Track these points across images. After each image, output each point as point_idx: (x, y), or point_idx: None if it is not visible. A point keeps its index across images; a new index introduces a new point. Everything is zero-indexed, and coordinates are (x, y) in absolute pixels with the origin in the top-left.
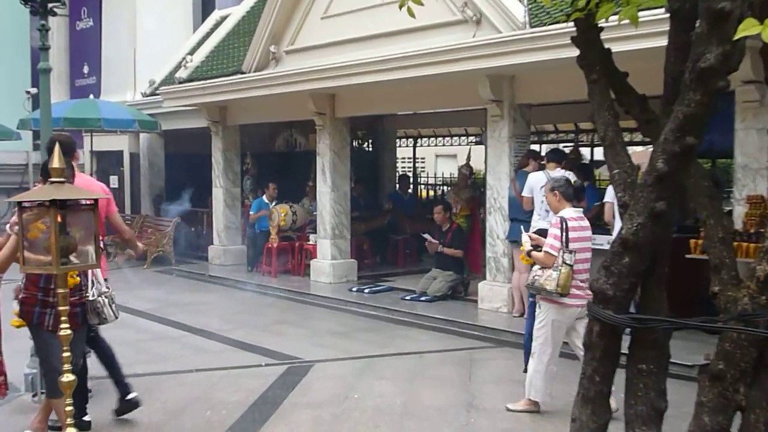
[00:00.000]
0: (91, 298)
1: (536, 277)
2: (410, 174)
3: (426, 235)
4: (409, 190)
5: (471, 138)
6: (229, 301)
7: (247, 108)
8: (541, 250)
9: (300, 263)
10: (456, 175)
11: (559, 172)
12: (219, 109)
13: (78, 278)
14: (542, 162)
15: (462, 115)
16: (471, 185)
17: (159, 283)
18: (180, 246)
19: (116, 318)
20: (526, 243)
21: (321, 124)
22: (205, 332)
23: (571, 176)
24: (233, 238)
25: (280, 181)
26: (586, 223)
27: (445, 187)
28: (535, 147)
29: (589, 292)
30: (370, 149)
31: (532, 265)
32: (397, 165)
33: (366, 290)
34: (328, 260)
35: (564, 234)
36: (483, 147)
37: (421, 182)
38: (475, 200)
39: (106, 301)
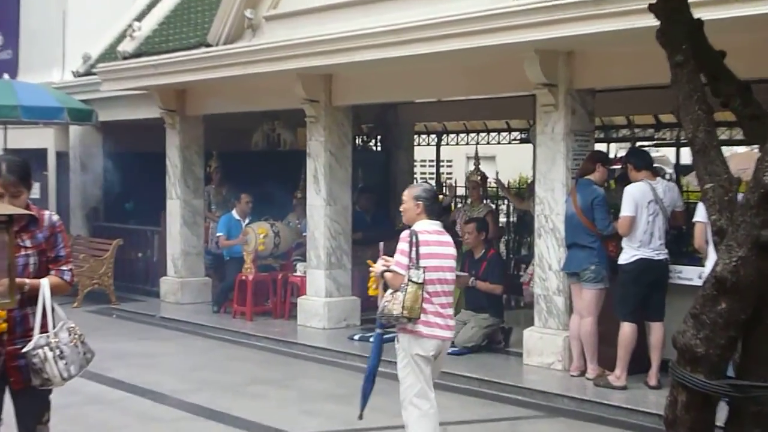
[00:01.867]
0: (24, 350)
1: (385, 303)
2: (433, 182)
3: None
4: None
5: (514, 135)
6: (188, 353)
7: (214, 93)
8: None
9: (284, 302)
10: (467, 185)
11: (661, 184)
12: (176, 94)
13: (4, 324)
14: (612, 167)
15: (502, 104)
16: (482, 198)
17: (94, 328)
18: (123, 277)
19: (66, 379)
20: (379, 265)
21: (313, 116)
22: (155, 394)
23: (672, 188)
24: (194, 268)
25: (256, 191)
26: (446, 238)
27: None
28: (600, 147)
29: (452, 323)
30: (379, 149)
31: (385, 290)
32: (416, 170)
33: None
34: (322, 298)
35: (413, 249)
36: (529, 147)
37: (448, 192)
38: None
39: (50, 354)
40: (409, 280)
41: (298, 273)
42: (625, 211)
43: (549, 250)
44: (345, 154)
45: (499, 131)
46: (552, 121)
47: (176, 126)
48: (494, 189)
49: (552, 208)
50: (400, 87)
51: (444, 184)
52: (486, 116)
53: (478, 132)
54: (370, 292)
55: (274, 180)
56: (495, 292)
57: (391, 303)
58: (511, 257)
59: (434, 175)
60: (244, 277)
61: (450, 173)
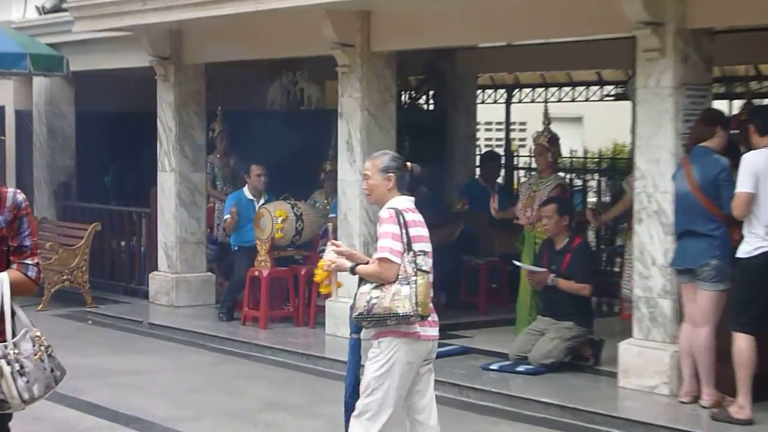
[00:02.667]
0: None
1: (375, 300)
2: (501, 151)
3: (521, 264)
4: (500, 179)
5: (607, 90)
6: (185, 370)
7: (218, 35)
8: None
9: (308, 305)
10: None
11: None
12: (170, 36)
13: None
14: (733, 131)
15: (592, 49)
16: (553, 167)
17: (64, 337)
18: (101, 273)
19: (27, 401)
20: (329, 254)
21: (346, 65)
22: (143, 423)
23: None
24: (193, 261)
25: (273, 163)
26: (421, 217)
27: (565, 176)
28: (718, 104)
29: (437, 318)
30: (432, 107)
31: (360, 285)
32: (479, 134)
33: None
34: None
35: (403, 231)
36: (627, 105)
37: (520, 165)
38: (572, 206)
39: (7, 370)
40: (418, 269)
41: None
42: (742, 185)
43: (653, 240)
44: (387, 114)
45: (587, 85)
46: (657, 71)
47: (170, 78)
48: (567, 158)
49: (657, 185)
50: (458, 27)
51: (515, 152)
52: (571, 65)
53: (559, 86)
54: (322, 289)
55: (295, 148)
56: (582, 293)
57: (389, 299)
58: (603, 248)
59: (502, 141)
60: (257, 273)
61: (523, 138)
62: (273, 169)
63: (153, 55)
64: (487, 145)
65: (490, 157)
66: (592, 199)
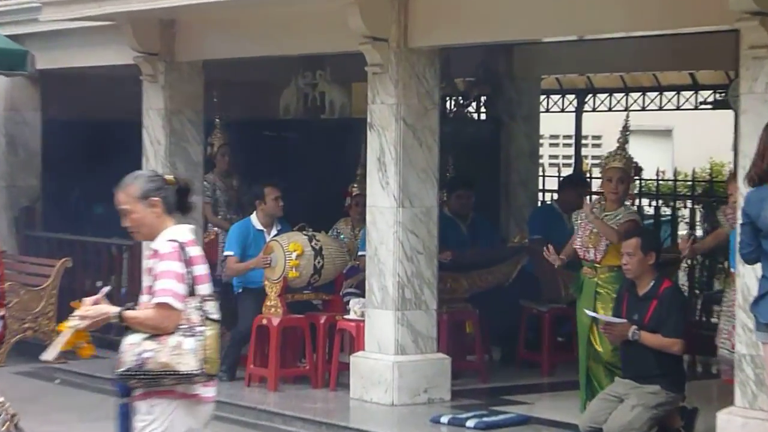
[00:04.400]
0: None
1: (148, 354)
2: (570, 169)
3: (595, 314)
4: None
5: (703, 96)
6: None
7: (219, 27)
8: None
9: (329, 361)
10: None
11: None
12: (161, 27)
13: None
14: None
15: (684, 45)
16: (622, 202)
17: (26, 399)
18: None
19: None
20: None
21: (378, 63)
22: None
23: None
24: None
25: (287, 184)
26: (201, 251)
27: (650, 202)
28: None
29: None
30: (484, 117)
31: (127, 335)
32: (542, 150)
33: (471, 423)
34: (391, 356)
35: (187, 270)
36: (728, 115)
37: (594, 189)
38: (659, 242)
39: None
40: (206, 317)
41: (351, 315)
42: None
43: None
44: (428, 125)
45: (678, 90)
46: (766, 73)
47: (159, 79)
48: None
49: (765, 212)
50: (518, 17)
51: (587, 172)
52: (658, 66)
53: (643, 91)
54: (82, 352)
55: (314, 166)
56: (671, 350)
57: (167, 354)
58: (698, 294)
59: (572, 159)
60: (265, 322)
61: (598, 156)
62: (286, 193)
63: (139, 50)
64: (552, 164)
65: (574, 182)
66: (683, 232)
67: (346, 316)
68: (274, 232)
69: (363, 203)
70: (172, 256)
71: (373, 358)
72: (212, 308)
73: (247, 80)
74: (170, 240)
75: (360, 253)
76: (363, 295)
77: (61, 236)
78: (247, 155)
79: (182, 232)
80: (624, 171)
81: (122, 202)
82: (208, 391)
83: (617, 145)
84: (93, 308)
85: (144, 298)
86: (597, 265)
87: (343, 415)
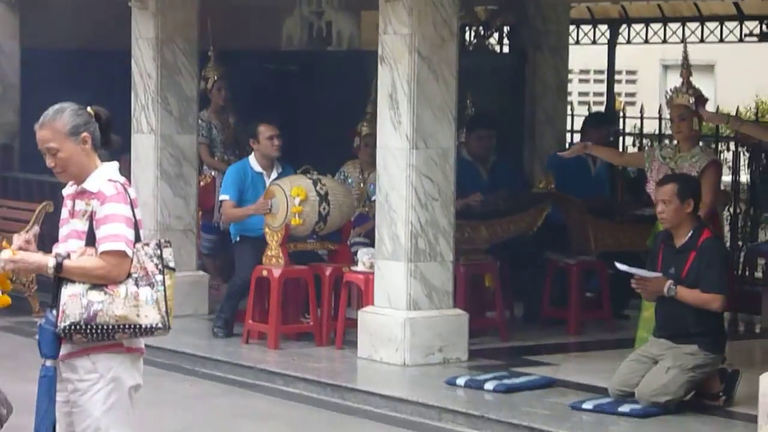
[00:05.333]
0: None
1: (98, 306)
2: (602, 107)
3: (626, 267)
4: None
5: (749, 28)
6: (168, 405)
7: None
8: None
9: (335, 317)
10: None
11: None
12: None
13: None
14: None
15: None
16: (697, 136)
17: (3, 355)
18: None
19: None
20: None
21: None
22: None
23: None
24: (179, 255)
25: (290, 123)
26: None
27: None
28: None
29: None
30: (507, 49)
31: (64, 286)
32: (571, 86)
33: (490, 385)
34: (402, 311)
35: (133, 213)
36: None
37: (629, 129)
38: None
39: None
40: (165, 265)
41: (359, 267)
42: None
43: None
44: (445, 57)
45: (721, 21)
46: None
47: (149, 5)
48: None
49: None
50: None
51: (620, 111)
52: None
53: (683, 21)
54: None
55: (320, 103)
56: (711, 306)
57: (122, 305)
58: (740, 245)
59: (604, 96)
60: (265, 273)
61: (632, 93)
62: (289, 133)
63: None
64: (581, 102)
65: (598, 120)
66: (727, 178)
67: (353, 268)
68: (274, 175)
69: (373, 144)
70: (117, 198)
71: (383, 314)
72: (170, 255)
73: (245, 6)
74: (111, 180)
75: (371, 199)
76: (372, 245)
77: (42, 178)
78: (246, 90)
79: (114, 171)
80: (686, 108)
81: (47, 140)
82: (141, 343)
83: (682, 80)
84: (25, 256)
85: (71, 244)
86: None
87: (349, 375)
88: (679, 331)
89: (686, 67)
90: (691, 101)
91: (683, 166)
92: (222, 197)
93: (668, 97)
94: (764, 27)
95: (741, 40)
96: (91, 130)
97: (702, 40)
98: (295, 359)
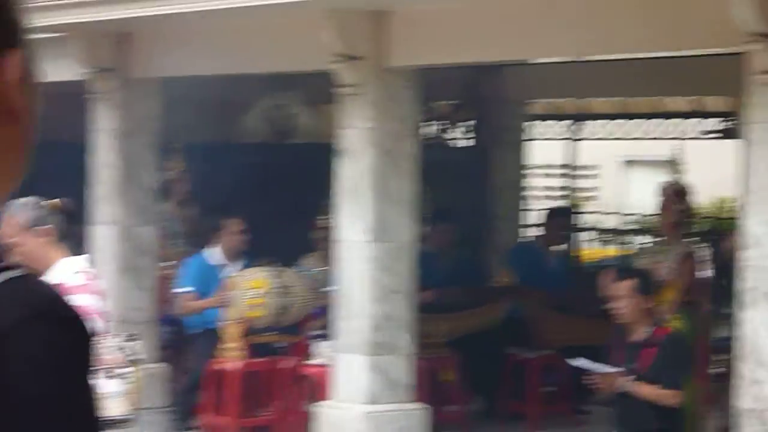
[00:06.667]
0: None
1: None
2: (562, 201)
3: (582, 363)
4: (565, 246)
5: (709, 124)
6: None
7: (179, 42)
8: None
9: (294, 411)
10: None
11: None
12: (116, 41)
13: None
14: None
15: (689, 68)
16: (684, 224)
17: None
18: None
19: None
20: None
21: (353, 84)
22: None
23: None
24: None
25: (251, 215)
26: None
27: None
28: None
29: None
30: (469, 143)
31: None
32: (530, 181)
33: None
34: (362, 405)
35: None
36: (738, 145)
37: (587, 225)
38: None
39: None
40: (135, 357)
41: (318, 360)
42: None
43: (766, 331)
44: (406, 151)
45: (682, 117)
46: None
47: (112, 97)
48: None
49: None
50: (506, 36)
51: (579, 206)
52: (660, 91)
53: (645, 118)
54: None
55: (280, 195)
56: (669, 402)
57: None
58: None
59: (564, 192)
60: (224, 366)
61: (593, 188)
62: (250, 225)
63: (91, 66)
64: (541, 196)
65: (560, 215)
66: None
67: (312, 361)
68: (235, 267)
69: (333, 237)
70: (81, 290)
71: (342, 408)
72: (139, 348)
73: (209, 100)
74: (78, 272)
75: (329, 290)
76: (331, 338)
77: None
78: (208, 182)
79: (74, 264)
80: (677, 205)
81: (8, 235)
82: None
83: (674, 177)
84: None
85: None
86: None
87: None
88: (639, 428)
89: (675, 163)
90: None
91: (668, 259)
92: (182, 290)
93: (663, 188)
94: (727, 123)
95: (702, 137)
96: (51, 223)
97: (663, 137)
98: None
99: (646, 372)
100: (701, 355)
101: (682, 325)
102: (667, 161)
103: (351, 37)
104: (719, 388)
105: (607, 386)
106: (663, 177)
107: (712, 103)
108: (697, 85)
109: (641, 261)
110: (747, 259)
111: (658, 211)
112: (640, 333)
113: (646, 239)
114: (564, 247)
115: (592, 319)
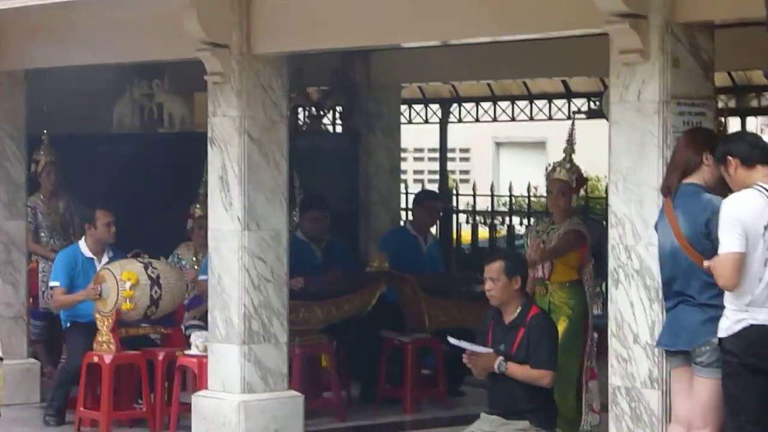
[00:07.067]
0: None
1: None
2: (436, 186)
3: (458, 342)
4: (433, 228)
5: (577, 106)
6: None
7: (45, 32)
8: None
9: (168, 402)
10: (546, 188)
11: None
12: None
13: None
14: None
15: (556, 50)
16: (578, 209)
17: None
18: None
19: None
20: None
21: (219, 72)
22: None
23: None
24: (9, 343)
25: (121, 207)
26: None
27: (522, 221)
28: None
29: None
30: (339, 130)
31: None
32: (405, 165)
33: None
34: (236, 395)
35: None
36: (604, 126)
37: (459, 206)
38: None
39: None
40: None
41: (193, 351)
42: (730, 245)
43: (633, 309)
44: (276, 139)
45: (550, 99)
46: (638, 81)
47: None
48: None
49: (639, 235)
50: (375, 21)
51: (453, 189)
52: (528, 73)
53: (513, 100)
54: None
55: (152, 185)
56: (541, 382)
57: None
58: None
59: (437, 175)
60: (97, 359)
61: (466, 171)
62: (122, 215)
63: None
64: (417, 180)
65: (428, 197)
66: None
67: (187, 352)
68: (105, 259)
69: (206, 226)
70: None
71: (217, 398)
72: None
73: (76, 90)
74: None
75: (200, 278)
76: (206, 328)
77: None
78: (78, 173)
79: None
80: (566, 183)
81: None
82: None
83: (563, 155)
84: None
85: None
86: (547, 283)
87: None
88: (510, 408)
89: (570, 144)
90: (573, 177)
91: (553, 238)
92: (52, 284)
93: (548, 170)
94: (592, 104)
95: (569, 118)
96: None
97: (531, 118)
98: None
99: (516, 353)
100: (584, 334)
101: (571, 304)
102: (539, 143)
103: (215, 26)
104: (600, 365)
105: (481, 366)
106: (549, 158)
107: (580, 84)
108: (565, 67)
109: (528, 241)
110: (613, 238)
111: (547, 191)
112: (511, 314)
113: (527, 220)
114: (438, 230)
115: (468, 302)
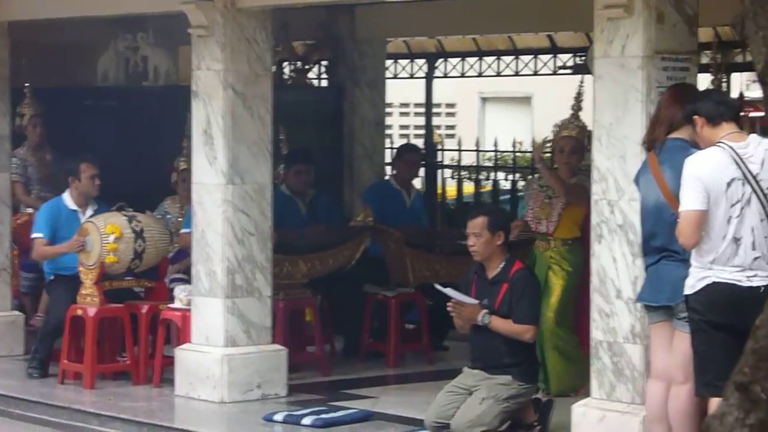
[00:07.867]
0: None
1: None
2: (421, 141)
3: (446, 289)
4: (418, 183)
5: (563, 61)
6: None
7: None
8: None
9: (152, 355)
10: (555, 147)
11: (756, 146)
12: None
13: None
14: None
15: (541, 4)
16: (584, 167)
17: None
18: None
19: None
20: None
21: (203, 25)
22: None
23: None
24: None
25: (106, 159)
26: None
27: (507, 176)
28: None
29: None
30: (324, 84)
31: None
32: (389, 120)
33: (307, 420)
34: (220, 348)
35: None
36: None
37: (445, 161)
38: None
39: None
40: None
41: (176, 304)
42: (689, 202)
43: (616, 264)
44: (260, 92)
45: (535, 54)
46: (622, 35)
47: None
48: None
49: (622, 190)
50: None
51: (438, 144)
52: (514, 28)
53: (498, 55)
54: None
55: (137, 138)
56: (523, 337)
57: None
58: None
59: (423, 130)
60: (80, 312)
61: (452, 126)
62: (106, 167)
63: None
64: (402, 135)
65: (407, 151)
66: None
67: (170, 305)
68: (89, 212)
69: (191, 179)
70: None
71: (201, 351)
72: None
73: (60, 43)
74: None
75: (182, 231)
76: (190, 282)
77: None
78: (62, 126)
79: None
80: (577, 140)
81: None
82: None
83: (571, 112)
84: None
85: None
86: (550, 238)
87: (166, 414)
88: (493, 362)
89: (578, 101)
90: (585, 135)
91: (558, 193)
92: (34, 235)
93: (556, 129)
94: (577, 59)
95: (555, 73)
96: None
97: (517, 74)
98: (111, 399)
99: (499, 308)
100: (582, 289)
101: (572, 260)
102: (525, 98)
103: None
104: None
105: (465, 317)
106: (534, 114)
107: (564, 38)
108: (551, 22)
109: (528, 194)
110: (596, 193)
111: (557, 149)
112: (494, 269)
113: (512, 175)
114: (423, 185)
115: (452, 257)
